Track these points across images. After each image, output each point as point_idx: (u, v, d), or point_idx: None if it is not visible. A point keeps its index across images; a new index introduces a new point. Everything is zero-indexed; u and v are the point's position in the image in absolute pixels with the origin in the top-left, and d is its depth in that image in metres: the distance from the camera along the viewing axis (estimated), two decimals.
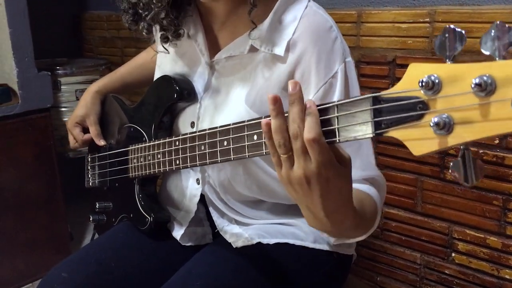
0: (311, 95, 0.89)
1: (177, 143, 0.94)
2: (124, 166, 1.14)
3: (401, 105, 0.53)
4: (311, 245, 1.02)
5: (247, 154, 0.75)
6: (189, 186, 1.07)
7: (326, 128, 0.61)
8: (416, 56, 1.49)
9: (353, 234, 0.81)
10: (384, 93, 0.55)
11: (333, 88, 0.88)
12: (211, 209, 1.07)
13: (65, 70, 2.25)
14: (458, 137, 0.49)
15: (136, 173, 1.09)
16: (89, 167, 1.30)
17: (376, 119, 0.55)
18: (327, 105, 0.61)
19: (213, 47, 1.02)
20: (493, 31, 0.49)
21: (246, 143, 0.75)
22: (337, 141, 0.60)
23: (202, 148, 0.86)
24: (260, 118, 0.72)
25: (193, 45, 1.03)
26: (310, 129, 0.61)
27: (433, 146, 0.50)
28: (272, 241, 1.01)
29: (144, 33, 1.03)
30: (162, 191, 1.17)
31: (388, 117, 0.54)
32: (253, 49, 0.94)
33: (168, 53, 1.06)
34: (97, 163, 1.27)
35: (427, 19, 1.45)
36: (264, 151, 0.72)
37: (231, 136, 0.78)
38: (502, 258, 1.42)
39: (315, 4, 0.95)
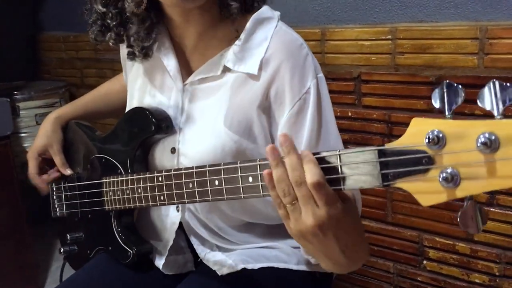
0: (286, 111, 0.90)
1: (160, 178, 0.93)
2: (98, 199, 1.11)
3: (407, 159, 0.55)
4: (294, 267, 1.03)
5: (242, 195, 0.76)
6: (170, 215, 1.06)
7: (330, 177, 0.63)
8: (380, 72, 1.54)
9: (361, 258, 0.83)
10: (389, 147, 0.57)
11: (307, 104, 0.90)
12: (191, 237, 1.06)
13: (23, 95, 2.19)
14: (465, 190, 0.52)
15: (113, 206, 1.07)
16: (55, 197, 1.26)
17: (383, 171, 0.57)
18: (329, 154, 0.63)
19: (185, 70, 1.01)
20: (490, 88, 0.52)
21: (241, 185, 0.75)
22: (343, 189, 0.62)
23: (190, 186, 0.86)
24: (254, 160, 0.74)
25: (165, 69, 1.02)
26: (312, 174, 0.63)
27: (442, 198, 0.54)
28: (256, 266, 1.02)
29: (111, 43, 1.01)
30: (141, 221, 1.15)
31: (394, 170, 0.57)
32: (226, 70, 0.95)
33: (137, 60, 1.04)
34: (64, 193, 1.23)
35: (389, 36, 1.51)
36: (262, 193, 0.73)
37: (223, 177, 0.78)
38: (471, 263, 1.49)
39: (284, 23, 0.97)
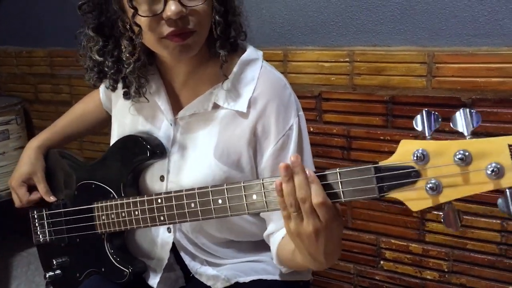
0: (271, 146, 1.00)
1: (159, 200, 0.98)
2: (89, 223, 1.14)
3: (399, 173, 0.68)
4: (280, 278, 1.14)
5: (247, 211, 0.85)
6: (160, 235, 1.12)
7: (331, 191, 0.75)
8: (339, 91, 1.69)
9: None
10: (383, 164, 0.70)
11: (289, 139, 1.01)
12: (182, 254, 1.13)
13: None
14: (447, 196, 0.66)
15: (107, 229, 1.10)
16: (37, 224, 1.27)
17: (379, 185, 0.70)
18: (330, 172, 0.75)
19: (175, 104, 1.08)
20: (460, 114, 0.66)
21: (246, 202, 0.85)
22: (342, 201, 0.75)
23: (192, 205, 0.93)
24: (257, 180, 0.83)
25: (156, 103, 1.08)
26: (317, 195, 0.74)
27: (428, 203, 0.67)
28: (247, 279, 1.11)
29: (109, 89, 1.08)
30: (130, 241, 1.18)
31: (388, 183, 0.69)
32: (216, 106, 1.03)
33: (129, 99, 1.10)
34: (46, 220, 1.25)
35: (347, 59, 1.66)
36: (266, 208, 0.83)
37: (226, 196, 0.87)
38: (423, 261, 1.66)
39: (267, 63, 1.07)
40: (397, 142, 1.68)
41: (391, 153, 1.69)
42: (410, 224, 1.65)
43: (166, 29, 0.91)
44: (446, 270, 1.62)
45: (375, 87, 1.63)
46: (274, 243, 1.03)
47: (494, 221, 1.52)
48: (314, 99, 1.74)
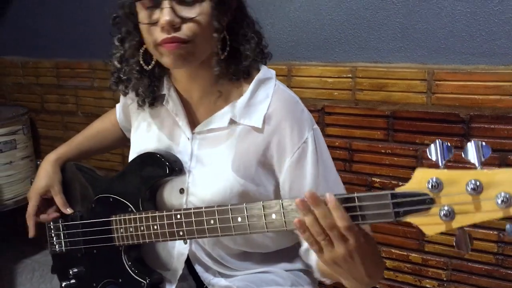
0: (288, 158, 1.04)
1: (178, 216, 1.02)
2: (106, 235, 1.17)
3: (414, 200, 0.74)
4: None
5: (266, 229, 0.89)
6: (177, 246, 1.16)
7: (351, 214, 0.79)
8: (341, 105, 1.75)
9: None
10: (399, 190, 0.75)
11: (305, 152, 1.05)
12: (196, 266, 1.17)
13: None
14: (459, 222, 0.71)
15: (125, 242, 1.13)
16: (53, 234, 1.30)
17: (395, 210, 0.75)
18: (348, 196, 0.80)
19: (193, 120, 1.13)
20: (472, 146, 0.71)
21: (265, 221, 0.89)
22: (360, 224, 0.80)
23: (212, 222, 0.96)
24: (276, 200, 0.88)
25: (174, 119, 1.13)
26: (343, 220, 0.79)
27: (441, 228, 0.72)
28: None
29: (122, 94, 1.16)
30: (147, 252, 1.22)
31: (404, 208, 0.75)
32: (232, 122, 1.07)
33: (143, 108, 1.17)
34: (63, 231, 1.28)
35: (349, 75, 1.72)
36: (285, 228, 0.87)
37: (246, 214, 0.91)
38: (423, 270, 1.72)
39: (280, 82, 1.12)
40: (398, 155, 1.75)
41: (391, 165, 1.76)
42: (410, 234, 1.71)
43: (160, 36, 0.96)
44: (444, 279, 1.68)
45: (376, 102, 1.69)
46: (313, 259, 1.08)
47: (491, 232, 1.58)
48: (317, 113, 1.79)
